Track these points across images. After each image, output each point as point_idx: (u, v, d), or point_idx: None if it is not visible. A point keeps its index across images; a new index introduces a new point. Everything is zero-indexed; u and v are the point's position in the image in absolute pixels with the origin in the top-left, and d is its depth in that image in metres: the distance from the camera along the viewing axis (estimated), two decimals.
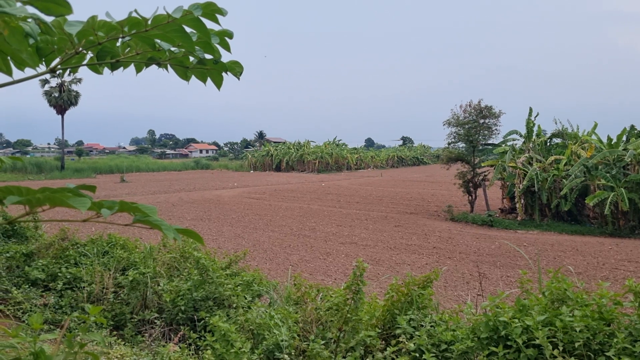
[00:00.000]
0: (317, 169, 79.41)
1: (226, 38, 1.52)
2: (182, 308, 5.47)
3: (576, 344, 3.08)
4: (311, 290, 5.04)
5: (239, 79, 1.71)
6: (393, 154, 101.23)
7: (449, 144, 30.38)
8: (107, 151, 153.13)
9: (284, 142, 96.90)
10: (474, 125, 28.63)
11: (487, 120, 28.77)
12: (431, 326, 4.03)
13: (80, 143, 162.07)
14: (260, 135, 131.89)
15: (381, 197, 38.26)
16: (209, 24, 1.42)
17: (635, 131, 26.19)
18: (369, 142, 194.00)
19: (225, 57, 1.64)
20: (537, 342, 3.13)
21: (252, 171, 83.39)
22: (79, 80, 62.65)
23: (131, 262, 6.97)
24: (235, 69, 1.68)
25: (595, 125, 28.00)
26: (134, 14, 1.33)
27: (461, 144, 30.06)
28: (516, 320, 3.31)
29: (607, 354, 3.01)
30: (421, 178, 61.07)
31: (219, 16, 1.39)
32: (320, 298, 5.07)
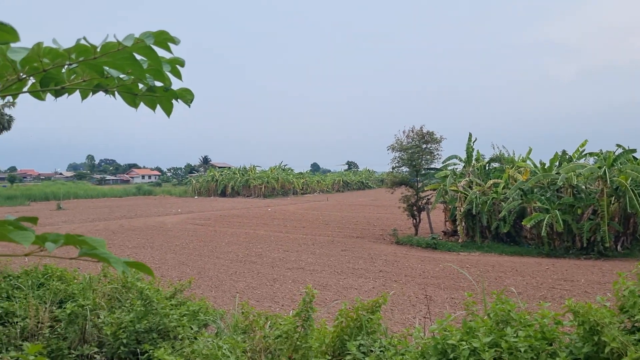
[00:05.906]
0: (263, 193, 78.94)
1: (177, 66, 1.51)
2: (124, 341, 5.24)
3: None
4: (259, 318, 4.95)
5: (189, 106, 1.69)
6: (339, 178, 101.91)
7: (393, 168, 30.99)
8: (42, 177, 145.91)
9: (229, 167, 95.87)
10: (417, 150, 29.37)
11: (429, 145, 29.59)
12: (380, 351, 4.03)
13: (13, 169, 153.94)
14: (205, 160, 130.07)
15: (327, 222, 38.40)
16: (161, 52, 1.40)
17: (567, 156, 27.71)
18: (315, 167, 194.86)
19: (176, 84, 1.63)
20: None
21: (196, 197, 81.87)
22: (13, 104, 60.04)
23: (69, 294, 6.61)
24: (186, 96, 1.66)
25: (530, 151, 29.45)
26: (83, 42, 1.30)
27: (405, 169, 30.75)
28: (464, 343, 3.38)
29: None
30: (366, 202, 61.82)
31: (171, 44, 1.38)
32: (269, 326, 4.98)
